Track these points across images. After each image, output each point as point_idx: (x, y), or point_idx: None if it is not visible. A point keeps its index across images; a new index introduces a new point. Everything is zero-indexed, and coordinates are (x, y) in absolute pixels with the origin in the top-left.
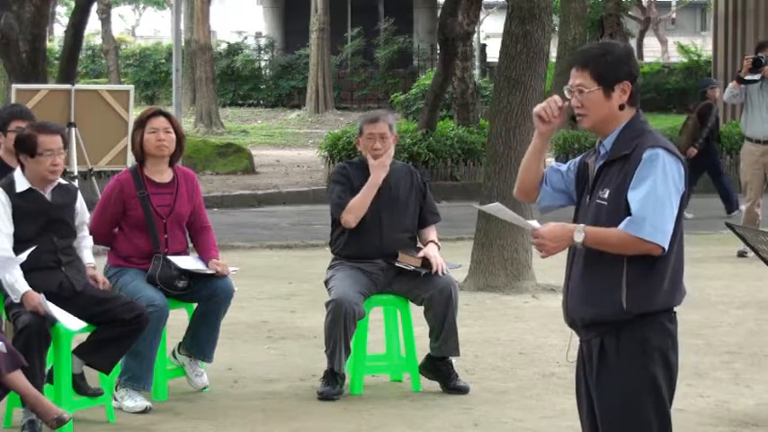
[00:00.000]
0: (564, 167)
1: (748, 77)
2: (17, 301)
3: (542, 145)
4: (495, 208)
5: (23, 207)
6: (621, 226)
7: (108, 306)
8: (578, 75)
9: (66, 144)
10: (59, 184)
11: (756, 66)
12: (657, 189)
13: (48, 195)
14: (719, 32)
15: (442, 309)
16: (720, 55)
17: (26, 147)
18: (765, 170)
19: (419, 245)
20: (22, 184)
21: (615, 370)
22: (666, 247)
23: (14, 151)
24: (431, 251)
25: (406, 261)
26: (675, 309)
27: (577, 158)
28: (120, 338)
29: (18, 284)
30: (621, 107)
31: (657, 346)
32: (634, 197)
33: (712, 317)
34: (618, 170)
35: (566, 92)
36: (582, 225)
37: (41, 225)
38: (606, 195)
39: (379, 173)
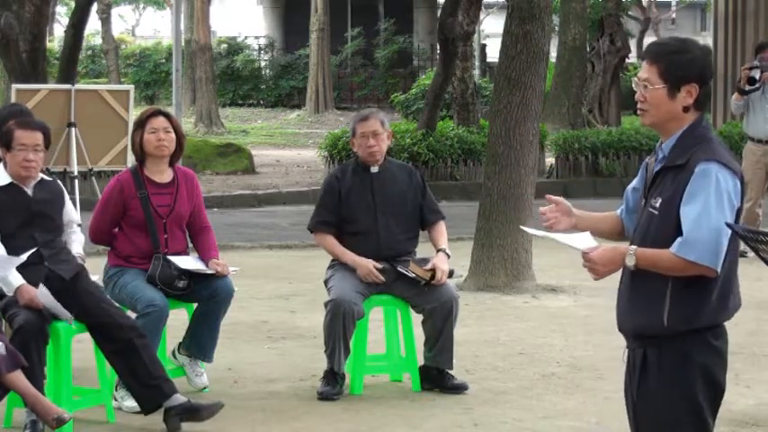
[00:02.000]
0: (635, 182)
1: (748, 88)
2: (11, 293)
3: (591, 223)
4: (544, 233)
5: (3, 201)
6: (673, 249)
7: (100, 307)
8: (648, 68)
9: (50, 143)
10: (42, 179)
11: (752, 84)
12: (710, 208)
13: (29, 190)
14: (719, 32)
15: (441, 321)
16: (720, 55)
17: (4, 140)
18: (766, 170)
19: (423, 255)
20: (3, 178)
21: (655, 384)
22: (719, 270)
23: None
24: (440, 263)
25: (416, 271)
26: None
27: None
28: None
29: (11, 277)
30: (686, 109)
31: (700, 363)
32: (686, 215)
33: None
34: (671, 179)
35: (633, 83)
36: (634, 247)
37: (22, 220)
38: (658, 204)
39: (365, 272)
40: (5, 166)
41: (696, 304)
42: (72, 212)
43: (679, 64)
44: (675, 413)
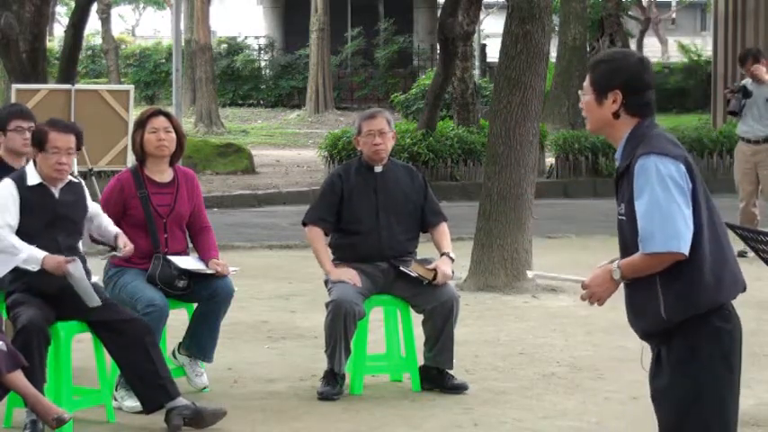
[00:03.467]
0: None
1: (735, 110)
2: (37, 268)
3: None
4: (539, 276)
5: (31, 201)
6: (639, 248)
7: (107, 312)
8: (587, 77)
9: (81, 145)
10: (70, 181)
11: (734, 112)
12: (658, 197)
13: (56, 192)
14: (719, 32)
15: (442, 321)
16: (720, 55)
17: (37, 140)
18: (757, 170)
19: (425, 257)
20: (33, 178)
21: (669, 377)
22: (686, 251)
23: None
24: (443, 266)
25: (418, 270)
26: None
27: None
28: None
29: (34, 253)
30: (616, 115)
31: (710, 352)
32: (638, 211)
33: None
34: (626, 183)
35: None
36: (617, 261)
37: (47, 222)
38: (623, 211)
39: (339, 275)
40: (35, 166)
41: (689, 289)
42: (94, 206)
43: (603, 72)
44: (689, 407)
